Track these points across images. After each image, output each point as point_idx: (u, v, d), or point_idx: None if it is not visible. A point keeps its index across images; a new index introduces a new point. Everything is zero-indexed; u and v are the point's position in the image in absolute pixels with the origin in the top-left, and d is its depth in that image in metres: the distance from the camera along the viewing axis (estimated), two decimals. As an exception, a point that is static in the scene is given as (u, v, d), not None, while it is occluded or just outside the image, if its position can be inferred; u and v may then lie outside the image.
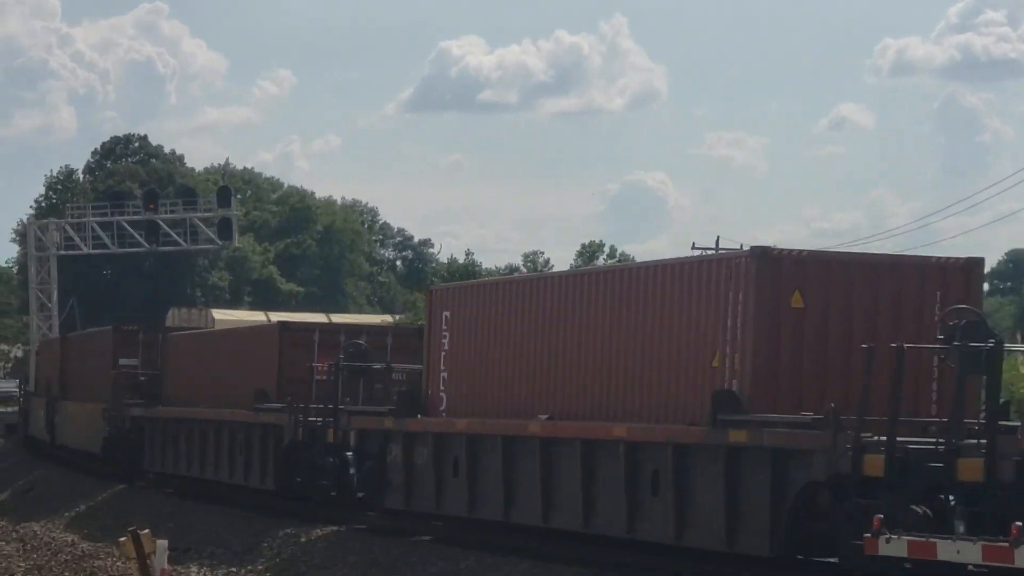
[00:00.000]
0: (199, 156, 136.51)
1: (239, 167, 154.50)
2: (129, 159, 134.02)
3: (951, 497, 25.21)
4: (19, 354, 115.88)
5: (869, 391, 24.31)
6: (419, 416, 37.14)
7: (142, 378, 60.64)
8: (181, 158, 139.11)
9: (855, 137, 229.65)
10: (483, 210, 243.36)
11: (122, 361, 62.62)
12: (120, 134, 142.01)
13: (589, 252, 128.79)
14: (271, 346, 50.99)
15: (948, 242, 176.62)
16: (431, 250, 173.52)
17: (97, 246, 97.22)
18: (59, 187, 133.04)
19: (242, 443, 50.07)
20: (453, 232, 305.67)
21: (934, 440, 24.62)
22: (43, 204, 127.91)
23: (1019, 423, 25.49)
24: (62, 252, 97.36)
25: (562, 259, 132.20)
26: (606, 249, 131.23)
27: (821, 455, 24.78)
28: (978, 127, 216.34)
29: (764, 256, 27.21)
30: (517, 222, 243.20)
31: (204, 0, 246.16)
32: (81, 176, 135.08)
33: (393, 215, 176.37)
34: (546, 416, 31.25)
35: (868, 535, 22.66)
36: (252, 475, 48.32)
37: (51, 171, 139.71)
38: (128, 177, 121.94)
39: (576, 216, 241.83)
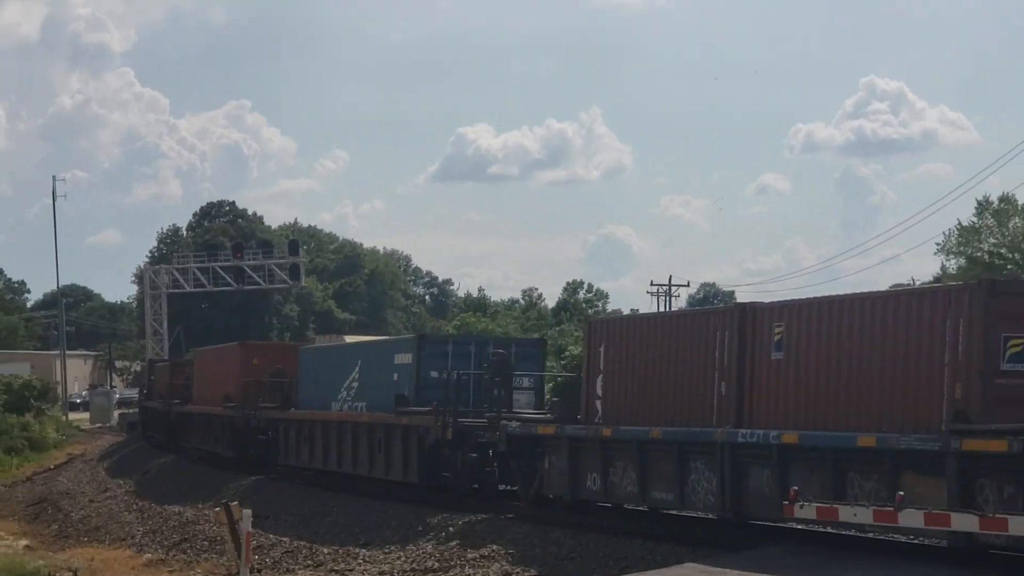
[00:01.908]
0: (274, 217, 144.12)
1: (305, 225, 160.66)
2: (221, 219, 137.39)
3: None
4: (138, 369, 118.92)
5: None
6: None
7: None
8: (261, 218, 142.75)
9: (775, 199, 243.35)
10: (492, 256, 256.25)
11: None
12: (214, 200, 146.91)
13: (572, 288, 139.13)
14: (234, 361, 60.83)
15: (846, 279, 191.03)
16: (452, 287, 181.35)
17: (197, 286, 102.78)
18: (168, 241, 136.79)
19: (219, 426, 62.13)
20: (470, 273, 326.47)
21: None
22: (156, 254, 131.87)
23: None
24: (170, 291, 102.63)
25: (552, 293, 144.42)
26: (585, 285, 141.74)
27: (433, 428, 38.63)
28: (869, 191, 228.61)
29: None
30: (519, 265, 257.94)
31: (279, 97, 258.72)
32: (185, 232, 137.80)
33: (423, 260, 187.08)
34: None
35: (787, 502, 24.66)
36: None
37: (162, 228, 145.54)
38: (220, 233, 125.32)
39: (563, 260, 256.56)
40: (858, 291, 31.12)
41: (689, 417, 30.48)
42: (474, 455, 39.14)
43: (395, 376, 44.13)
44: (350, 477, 46.77)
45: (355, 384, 48.18)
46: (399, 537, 36.46)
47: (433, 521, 37.14)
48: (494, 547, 30.86)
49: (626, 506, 33.70)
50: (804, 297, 32.53)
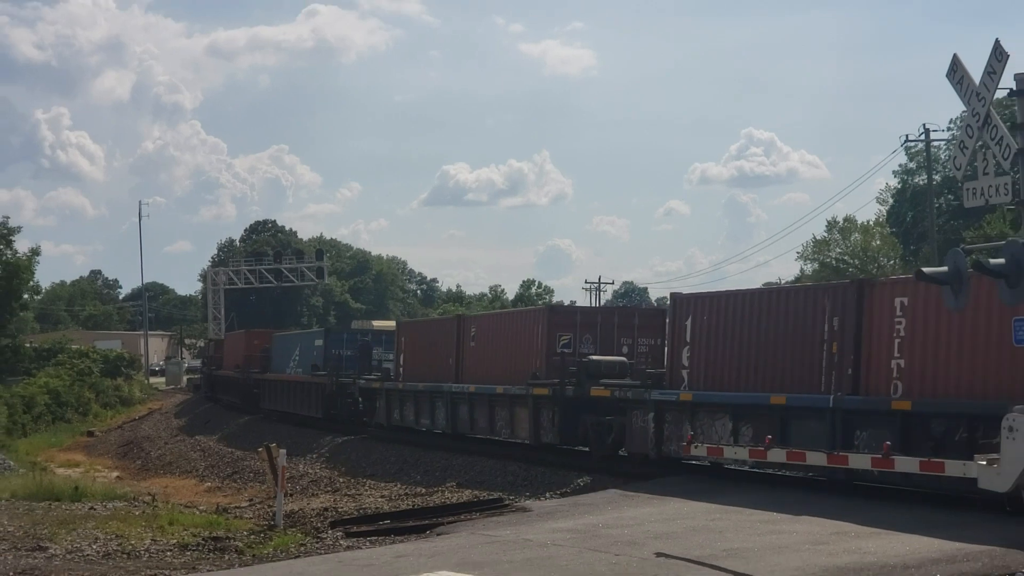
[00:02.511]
0: (305, 231, 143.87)
1: (328, 237, 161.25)
2: (265, 233, 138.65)
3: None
4: (201, 345, 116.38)
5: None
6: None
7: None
8: (295, 233, 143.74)
9: (678, 219, 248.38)
10: (467, 261, 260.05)
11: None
12: (260, 219, 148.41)
13: (527, 285, 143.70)
14: (242, 342, 67.52)
15: (730, 278, 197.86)
16: (437, 284, 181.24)
17: (246, 283, 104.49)
18: (225, 249, 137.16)
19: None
20: (451, 274, 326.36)
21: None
22: (215, 259, 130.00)
23: None
24: (226, 287, 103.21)
25: (512, 289, 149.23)
26: (536, 283, 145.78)
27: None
28: (747, 213, 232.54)
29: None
30: (487, 268, 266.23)
31: (309, 142, 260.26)
32: (237, 243, 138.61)
33: (416, 264, 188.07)
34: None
35: (685, 443, 24.70)
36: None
37: (220, 240, 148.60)
38: (264, 244, 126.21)
39: (521, 264, 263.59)
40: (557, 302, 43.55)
41: (438, 377, 39.25)
42: (349, 400, 47.94)
43: (314, 353, 52.74)
44: (294, 415, 54.88)
45: (297, 357, 56.07)
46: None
47: (325, 439, 45.35)
48: (466, 477, 32.21)
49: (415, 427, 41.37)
50: (485, 313, 42.66)
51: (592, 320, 34.35)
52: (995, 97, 11.29)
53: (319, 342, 53.15)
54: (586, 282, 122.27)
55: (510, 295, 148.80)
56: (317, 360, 51.72)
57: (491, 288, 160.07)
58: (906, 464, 17.53)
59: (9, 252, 72.49)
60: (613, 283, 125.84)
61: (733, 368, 26.32)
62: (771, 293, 27.77)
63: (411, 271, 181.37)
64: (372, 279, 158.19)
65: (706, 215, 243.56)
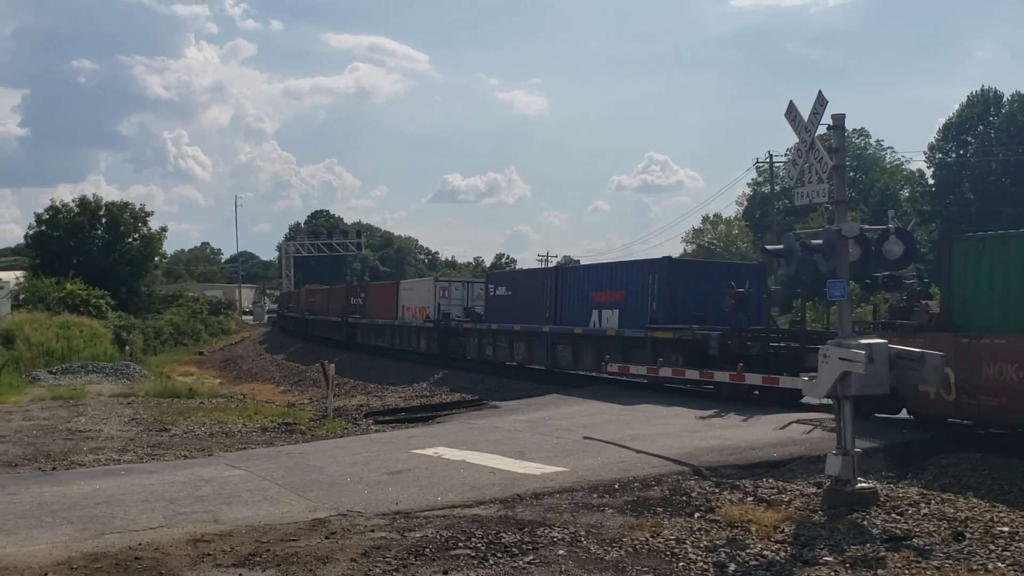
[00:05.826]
0: (349, 218, 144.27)
1: (364, 222, 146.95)
2: (321, 219, 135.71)
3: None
4: (277, 294, 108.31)
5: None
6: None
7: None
8: (342, 219, 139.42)
9: (602, 214, 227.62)
10: (458, 240, 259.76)
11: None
12: (318, 209, 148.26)
13: (499, 257, 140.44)
14: (302, 296, 66.55)
15: (636, 254, 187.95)
16: (439, 255, 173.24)
17: (308, 253, 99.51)
18: (294, 229, 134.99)
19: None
20: (448, 249, 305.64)
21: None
22: (287, 236, 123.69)
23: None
24: (295, 255, 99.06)
25: (489, 259, 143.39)
26: (505, 256, 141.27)
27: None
28: (648, 211, 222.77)
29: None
30: (472, 244, 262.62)
31: (352, 157, 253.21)
32: (302, 224, 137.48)
33: (425, 241, 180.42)
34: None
35: (603, 363, 22.70)
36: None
37: (291, 223, 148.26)
38: (321, 226, 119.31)
39: (495, 243, 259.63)
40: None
41: (385, 316, 42.82)
42: (358, 330, 48.63)
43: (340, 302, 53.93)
44: (327, 339, 53.99)
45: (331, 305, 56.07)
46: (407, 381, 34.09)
47: (348, 354, 43.91)
48: (454, 386, 30.45)
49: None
50: (380, 283, 44.36)
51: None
52: (818, 132, 11.36)
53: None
54: (538, 255, 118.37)
55: (488, 264, 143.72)
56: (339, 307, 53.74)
57: (475, 259, 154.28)
58: (753, 379, 16.96)
59: (145, 229, 71.57)
60: (557, 256, 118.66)
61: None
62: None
63: (421, 246, 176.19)
64: (394, 252, 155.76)
65: (620, 211, 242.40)
